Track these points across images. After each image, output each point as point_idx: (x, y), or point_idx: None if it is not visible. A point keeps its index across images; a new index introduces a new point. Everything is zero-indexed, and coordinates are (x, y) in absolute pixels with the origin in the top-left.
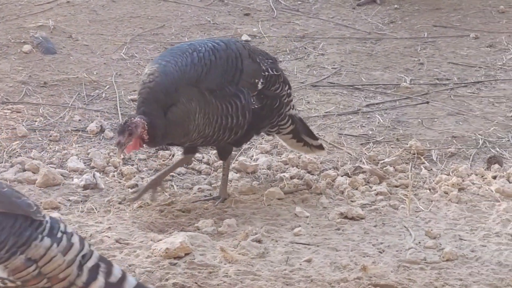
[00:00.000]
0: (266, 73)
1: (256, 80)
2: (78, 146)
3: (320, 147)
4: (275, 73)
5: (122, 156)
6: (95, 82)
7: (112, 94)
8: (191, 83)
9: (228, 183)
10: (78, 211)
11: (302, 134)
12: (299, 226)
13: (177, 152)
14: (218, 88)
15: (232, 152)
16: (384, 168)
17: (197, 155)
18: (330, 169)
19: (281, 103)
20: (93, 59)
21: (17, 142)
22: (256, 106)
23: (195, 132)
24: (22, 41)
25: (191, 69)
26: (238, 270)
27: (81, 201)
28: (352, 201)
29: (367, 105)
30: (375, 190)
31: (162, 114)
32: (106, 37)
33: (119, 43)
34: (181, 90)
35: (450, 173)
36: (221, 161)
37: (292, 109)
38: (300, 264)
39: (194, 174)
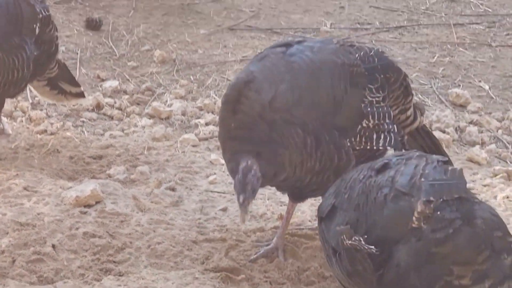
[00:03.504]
0: (41, 15)
1: (34, 25)
2: None
3: (80, 95)
4: (47, 13)
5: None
6: None
7: None
8: None
9: (141, 129)
10: None
11: (60, 81)
12: (214, 174)
13: (88, 97)
14: (4, 41)
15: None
16: None
17: (109, 100)
18: None
19: (56, 47)
20: None
21: None
22: (35, 54)
23: None
24: None
25: None
26: (151, 219)
27: None
28: None
29: None
30: None
31: None
32: None
33: None
34: None
35: None
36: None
37: (59, 53)
38: (215, 213)
39: (105, 119)
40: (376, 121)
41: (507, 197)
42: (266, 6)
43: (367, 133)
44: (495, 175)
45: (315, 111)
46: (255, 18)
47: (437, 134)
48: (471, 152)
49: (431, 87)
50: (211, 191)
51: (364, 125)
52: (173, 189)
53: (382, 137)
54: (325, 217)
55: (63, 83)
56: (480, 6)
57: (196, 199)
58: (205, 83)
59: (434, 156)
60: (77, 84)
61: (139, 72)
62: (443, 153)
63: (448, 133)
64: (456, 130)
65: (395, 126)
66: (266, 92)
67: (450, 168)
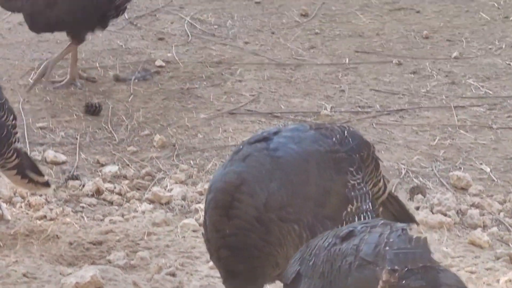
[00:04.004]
0: None
1: None
2: None
3: (46, 184)
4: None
5: None
6: None
7: (19, 121)
8: None
9: (141, 214)
10: None
11: (27, 170)
12: None
13: (87, 182)
14: None
15: None
16: None
17: (109, 185)
18: None
19: (8, 132)
20: None
21: None
22: None
23: None
24: None
25: None
26: None
27: None
28: None
29: None
30: None
31: None
32: (12, 61)
33: (26, 68)
34: None
35: None
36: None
37: (17, 142)
38: None
39: (105, 205)
40: (359, 204)
41: (510, 281)
42: (266, 90)
43: (350, 218)
44: (498, 258)
45: (308, 204)
46: (255, 102)
47: (438, 217)
48: (472, 235)
49: (432, 170)
50: (212, 276)
51: (349, 209)
52: (173, 275)
53: (361, 218)
54: (289, 284)
55: (29, 172)
56: (481, 88)
57: (197, 285)
58: (205, 168)
59: (398, 224)
60: (41, 173)
61: (139, 157)
62: (411, 217)
63: (449, 216)
64: (457, 213)
65: (370, 203)
66: (259, 194)
67: (414, 236)
